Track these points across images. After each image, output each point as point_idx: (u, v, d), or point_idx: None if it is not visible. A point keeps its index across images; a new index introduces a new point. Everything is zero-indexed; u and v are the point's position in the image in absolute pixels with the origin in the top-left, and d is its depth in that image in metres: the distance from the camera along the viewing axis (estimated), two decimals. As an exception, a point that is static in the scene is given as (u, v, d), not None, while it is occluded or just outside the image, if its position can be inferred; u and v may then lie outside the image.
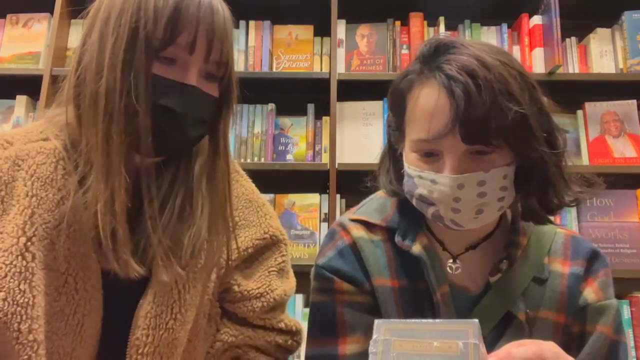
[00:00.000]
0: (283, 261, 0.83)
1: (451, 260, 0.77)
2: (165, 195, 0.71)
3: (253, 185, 0.88)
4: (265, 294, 0.80)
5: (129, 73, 0.63)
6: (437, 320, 0.51)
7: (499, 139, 0.65)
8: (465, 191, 0.66)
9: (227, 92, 0.74)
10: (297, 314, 1.67)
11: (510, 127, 0.63)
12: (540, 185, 0.70)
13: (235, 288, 0.79)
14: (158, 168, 0.71)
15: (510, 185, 0.69)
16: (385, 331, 0.50)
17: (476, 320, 0.49)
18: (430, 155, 0.69)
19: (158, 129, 0.65)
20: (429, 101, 0.67)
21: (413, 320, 0.52)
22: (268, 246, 0.83)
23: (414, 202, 0.74)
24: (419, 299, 0.76)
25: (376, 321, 0.52)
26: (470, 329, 0.48)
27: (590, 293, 0.75)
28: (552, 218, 0.78)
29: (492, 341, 0.72)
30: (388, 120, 0.80)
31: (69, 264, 0.66)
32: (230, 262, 0.78)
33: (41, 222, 0.64)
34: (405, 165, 0.73)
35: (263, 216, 0.84)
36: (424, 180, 0.69)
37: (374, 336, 0.50)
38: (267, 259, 0.83)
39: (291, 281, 0.85)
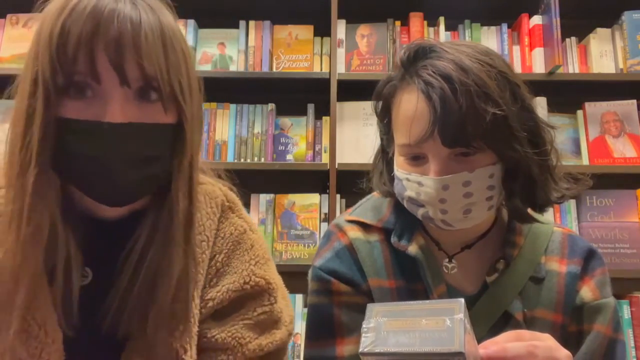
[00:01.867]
0: (265, 312, 0.71)
1: (447, 260, 0.78)
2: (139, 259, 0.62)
3: (247, 222, 0.76)
4: (234, 347, 0.68)
5: (31, 127, 0.55)
6: (425, 301, 0.54)
7: (478, 141, 0.65)
8: (450, 192, 0.67)
9: (179, 114, 0.60)
10: (297, 314, 1.67)
11: (489, 129, 0.64)
12: (525, 184, 0.70)
13: (207, 334, 0.68)
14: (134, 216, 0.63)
15: (497, 184, 0.69)
16: (376, 313, 0.52)
17: (462, 299, 0.51)
18: (416, 159, 0.70)
19: (87, 180, 0.57)
20: (409, 107, 0.68)
21: (403, 302, 0.55)
22: (249, 296, 0.71)
23: (405, 204, 0.74)
24: (415, 299, 0.75)
25: (368, 305, 0.54)
26: (456, 306, 0.50)
27: (587, 292, 0.75)
28: (544, 215, 0.79)
29: None
30: (378, 124, 0.80)
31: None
32: (202, 312, 0.68)
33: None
34: (395, 168, 0.74)
35: (247, 262, 0.72)
36: (411, 183, 0.70)
37: (366, 319, 0.52)
38: (245, 309, 0.71)
39: (277, 333, 0.73)
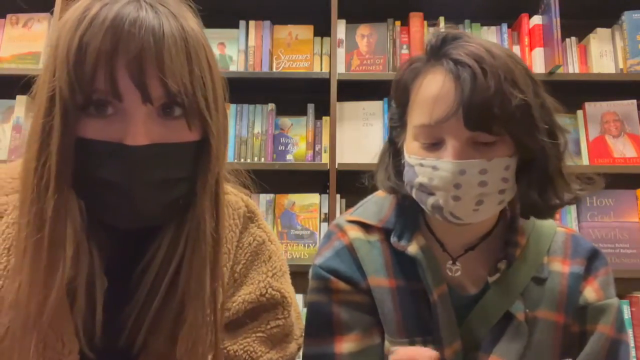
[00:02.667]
0: (278, 325, 0.71)
1: (450, 262, 0.77)
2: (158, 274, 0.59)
3: (266, 232, 0.75)
4: None
5: (46, 149, 0.51)
6: None
7: (501, 126, 0.65)
8: (466, 177, 0.66)
9: (205, 129, 0.57)
10: (297, 314, 1.67)
11: (513, 115, 0.64)
12: (540, 180, 0.70)
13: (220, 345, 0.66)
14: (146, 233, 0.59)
15: (512, 177, 0.68)
16: None
17: None
18: (432, 145, 0.69)
19: (107, 205, 0.54)
20: (434, 86, 0.68)
21: None
22: (264, 308, 0.71)
23: (413, 193, 0.73)
24: (416, 299, 0.76)
25: None
26: None
27: (590, 292, 0.75)
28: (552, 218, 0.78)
29: (491, 341, 0.72)
30: (390, 113, 0.80)
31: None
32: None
33: (4, 292, 0.55)
34: (406, 155, 0.73)
35: (264, 273, 0.71)
36: (425, 168, 0.69)
37: None
38: (259, 322, 0.70)
39: (288, 348, 0.73)
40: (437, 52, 0.70)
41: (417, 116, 0.70)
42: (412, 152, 0.71)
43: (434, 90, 0.68)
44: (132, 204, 0.53)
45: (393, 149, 0.80)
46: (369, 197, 0.87)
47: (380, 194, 0.85)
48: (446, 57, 0.68)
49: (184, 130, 0.55)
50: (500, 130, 0.65)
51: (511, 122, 0.65)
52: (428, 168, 0.68)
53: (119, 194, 0.52)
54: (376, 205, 0.83)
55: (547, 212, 0.73)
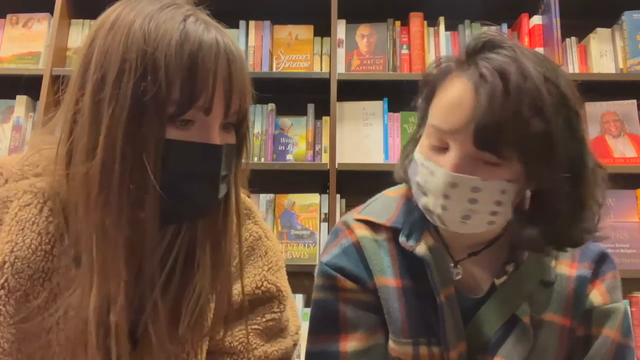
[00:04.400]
0: (273, 319, 0.73)
1: (452, 265, 0.76)
2: (164, 255, 0.61)
3: (263, 228, 0.78)
4: (240, 352, 0.69)
5: (133, 150, 0.53)
6: None
7: (511, 151, 0.62)
8: (457, 191, 0.65)
9: (242, 136, 0.64)
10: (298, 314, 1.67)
11: (528, 143, 0.61)
12: (547, 216, 0.66)
13: (216, 336, 0.69)
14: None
15: (507, 202, 0.66)
16: None
17: None
18: (439, 149, 0.68)
19: (181, 200, 0.57)
20: (454, 92, 0.66)
21: None
22: (260, 301, 0.73)
23: (413, 189, 0.73)
24: (423, 299, 0.75)
25: None
26: None
27: (596, 296, 0.74)
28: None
29: (496, 344, 0.72)
30: (418, 105, 0.78)
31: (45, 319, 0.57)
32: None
33: (13, 271, 0.56)
34: (416, 150, 0.73)
35: (260, 267, 0.74)
36: (424, 169, 0.69)
37: None
38: (254, 314, 0.72)
39: (283, 342, 0.74)
40: (471, 56, 0.67)
41: (433, 116, 0.69)
42: (421, 149, 0.71)
43: (453, 96, 0.66)
44: (209, 194, 0.59)
45: (415, 141, 0.78)
46: (377, 195, 0.87)
47: (388, 193, 0.85)
48: (476, 65, 0.65)
49: (232, 133, 0.62)
50: (510, 155, 0.62)
51: (524, 150, 0.61)
52: (426, 170, 0.68)
53: (202, 188, 0.58)
54: (384, 204, 0.83)
55: (544, 247, 0.69)
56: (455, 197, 0.65)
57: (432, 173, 0.67)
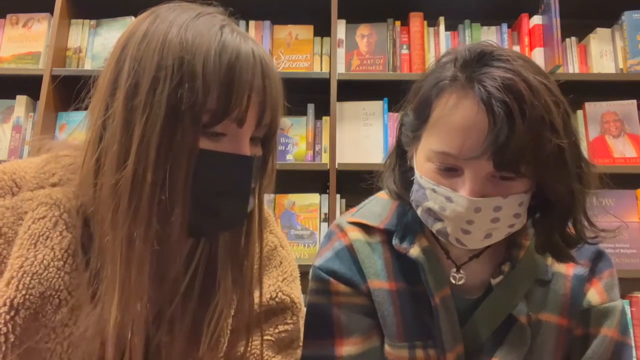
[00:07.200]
0: (286, 330, 0.72)
1: (454, 270, 0.76)
2: (185, 270, 0.59)
3: (278, 237, 0.77)
4: None
5: (166, 160, 0.51)
6: None
7: (529, 167, 0.61)
8: (480, 215, 0.63)
9: (268, 149, 0.63)
10: (297, 314, 1.67)
11: (546, 161, 0.60)
12: (562, 220, 0.67)
13: (233, 351, 0.68)
14: None
15: (523, 212, 0.66)
16: None
17: None
18: (449, 170, 0.65)
19: (210, 212, 0.56)
20: (462, 115, 0.62)
21: None
22: (273, 312, 0.72)
23: (419, 212, 0.71)
24: (417, 302, 0.75)
25: None
26: None
27: (594, 295, 0.74)
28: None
29: (493, 345, 0.72)
30: (403, 119, 0.75)
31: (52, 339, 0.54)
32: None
33: (21, 287, 0.52)
34: (417, 174, 0.69)
35: (275, 277, 0.73)
36: (438, 195, 0.65)
37: None
38: (267, 325, 0.71)
39: (295, 353, 0.74)
40: (469, 71, 0.64)
41: (438, 141, 0.64)
42: (425, 173, 0.67)
43: (462, 119, 0.62)
44: (238, 207, 0.58)
45: (401, 154, 0.77)
46: (371, 197, 0.86)
47: (382, 195, 0.84)
48: (480, 82, 0.61)
49: (259, 146, 0.61)
50: (528, 170, 0.61)
51: (542, 166, 0.61)
52: (441, 197, 0.65)
53: (231, 201, 0.57)
54: (378, 207, 0.82)
55: (569, 254, 0.70)
56: (479, 221, 0.64)
57: (449, 200, 0.64)
